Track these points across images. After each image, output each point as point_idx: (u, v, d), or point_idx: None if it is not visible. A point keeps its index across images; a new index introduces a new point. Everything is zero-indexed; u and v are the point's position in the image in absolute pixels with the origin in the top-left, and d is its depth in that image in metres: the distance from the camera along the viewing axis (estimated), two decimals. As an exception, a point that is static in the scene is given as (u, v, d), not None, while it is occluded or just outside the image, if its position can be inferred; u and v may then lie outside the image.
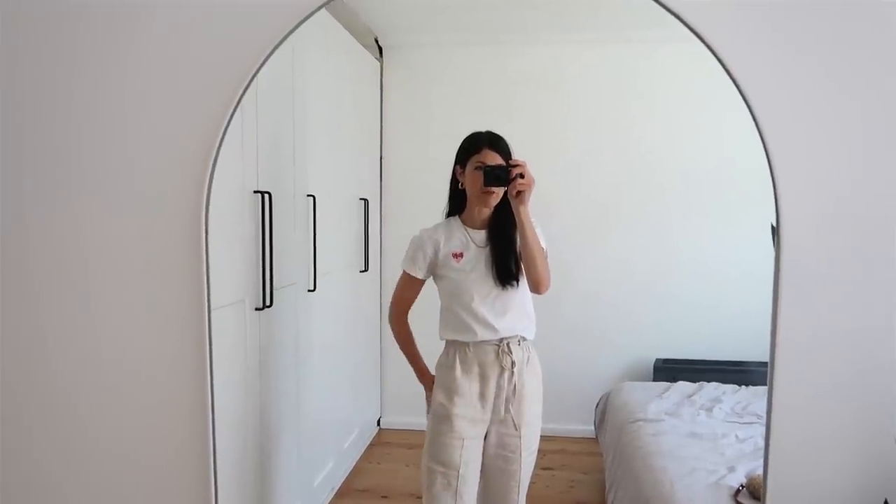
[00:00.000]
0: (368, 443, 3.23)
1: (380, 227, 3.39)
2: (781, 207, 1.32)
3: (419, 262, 1.79)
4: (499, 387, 1.74)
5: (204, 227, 1.46)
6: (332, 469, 2.69)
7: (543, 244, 1.75)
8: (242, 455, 1.90)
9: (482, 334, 1.72)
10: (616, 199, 3.29)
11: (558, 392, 2.84)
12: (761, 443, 2.21)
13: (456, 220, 1.80)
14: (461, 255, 1.75)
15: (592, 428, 2.99)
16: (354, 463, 2.99)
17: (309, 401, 2.40)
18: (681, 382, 2.89)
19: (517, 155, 1.73)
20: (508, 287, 1.73)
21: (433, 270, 1.80)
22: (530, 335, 1.80)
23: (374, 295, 3.33)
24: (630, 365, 3.27)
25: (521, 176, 1.64)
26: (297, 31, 1.46)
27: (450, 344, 1.79)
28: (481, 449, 1.77)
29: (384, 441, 3.29)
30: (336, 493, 2.71)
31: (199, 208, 1.45)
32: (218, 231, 1.62)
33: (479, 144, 1.72)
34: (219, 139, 1.44)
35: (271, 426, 2.10)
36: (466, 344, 1.74)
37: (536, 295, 1.77)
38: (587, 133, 3.29)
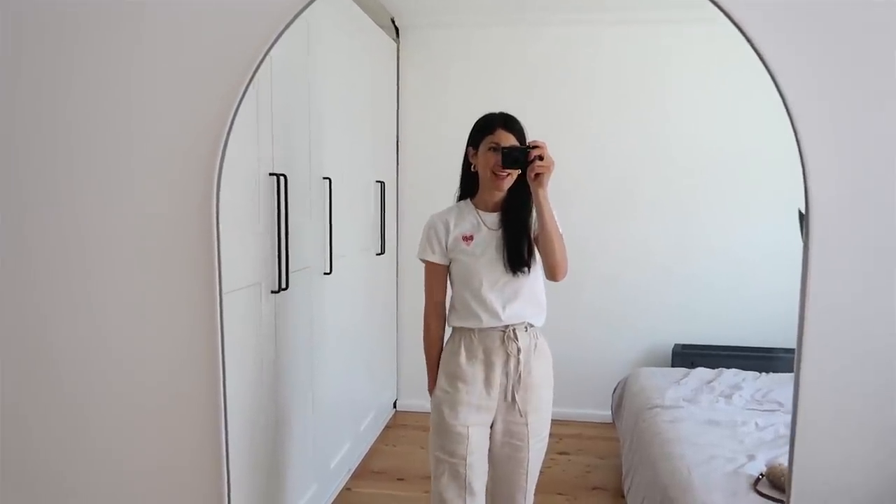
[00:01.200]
0: (384, 425, 3.24)
1: (396, 210, 3.37)
2: (810, 188, 1.28)
3: (434, 245, 1.74)
4: (505, 374, 1.69)
5: (215, 211, 1.44)
6: (349, 451, 2.71)
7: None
8: (257, 437, 1.91)
9: (487, 321, 1.67)
10: (637, 182, 3.23)
11: (575, 376, 2.81)
12: (782, 431, 2.19)
13: (467, 204, 1.75)
14: (471, 237, 1.70)
15: (609, 413, 2.97)
16: (370, 445, 3.01)
17: (324, 383, 2.41)
18: (699, 368, 2.85)
19: (536, 137, 1.65)
20: (519, 274, 1.67)
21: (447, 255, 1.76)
22: (539, 322, 1.73)
23: (390, 278, 3.32)
24: (648, 350, 3.24)
25: (541, 158, 1.57)
26: (311, 10, 1.42)
27: (456, 331, 1.75)
28: (488, 436, 1.73)
29: (400, 423, 3.31)
30: (352, 475, 2.73)
31: (211, 191, 1.43)
32: (233, 214, 1.61)
33: (492, 125, 1.66)
34: (229, 120, 1.42)
35: (287, 408, 2.11)
36: (472, 330, 1.70)
37: (553, 282, 1.69)
38: (608, 114, 3.23)
